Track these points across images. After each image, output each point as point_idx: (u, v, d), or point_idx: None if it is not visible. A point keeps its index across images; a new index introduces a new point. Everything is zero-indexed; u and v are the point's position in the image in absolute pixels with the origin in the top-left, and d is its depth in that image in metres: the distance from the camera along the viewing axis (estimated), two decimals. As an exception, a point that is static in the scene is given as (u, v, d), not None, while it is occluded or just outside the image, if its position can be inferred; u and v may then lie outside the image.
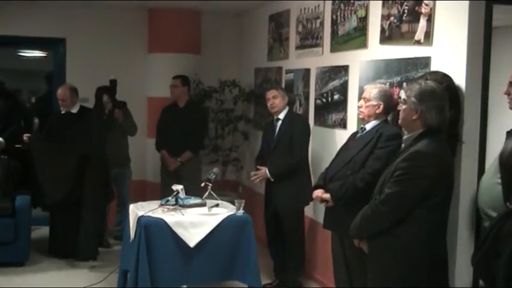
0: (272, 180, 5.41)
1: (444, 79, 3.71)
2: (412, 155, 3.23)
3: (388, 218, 3.28)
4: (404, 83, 4.23)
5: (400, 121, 3.50)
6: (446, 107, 3.32)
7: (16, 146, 6.39)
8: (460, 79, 3.77)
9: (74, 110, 6.33)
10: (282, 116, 5.51)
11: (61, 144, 6.16)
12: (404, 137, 3.43)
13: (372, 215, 3.35)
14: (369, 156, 4.17)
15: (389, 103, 4.27)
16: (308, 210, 5.67)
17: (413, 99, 3.32)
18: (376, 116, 4.27)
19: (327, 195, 4.32)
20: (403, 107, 3.40)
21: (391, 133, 4.12)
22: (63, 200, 6.10)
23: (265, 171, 5.43)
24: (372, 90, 4.29)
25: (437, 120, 3.28)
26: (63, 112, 6.31)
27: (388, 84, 4.51)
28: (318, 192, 4.42)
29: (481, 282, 3.68)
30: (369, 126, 4.30)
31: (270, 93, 5.54)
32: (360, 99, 4.48)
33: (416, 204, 3.22)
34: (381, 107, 4.24)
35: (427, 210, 3.23)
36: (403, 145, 3.43)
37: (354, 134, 4.48)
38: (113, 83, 6.58)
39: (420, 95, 3.30)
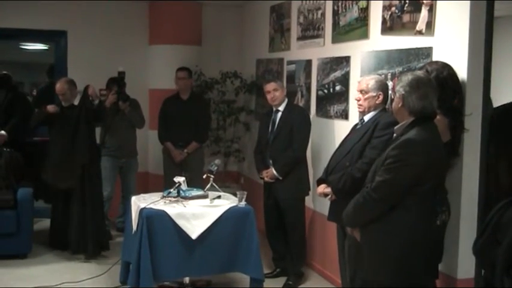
0: (281, 178, 5.38)
1: (445, 68, 3.71)
2: (403, 143, 3.27)
3: (380, 205, 3.32)
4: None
5: (393, 111, 3.56)
6: (432, 95, 3.34)
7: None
8: (462, 69, 3.77)
9: (76, 103, 6.33)
10: (281, 107, 5.49)
11: (60, 137, 6.20)
12: (396, 127, 3.47)
13: (364, 203, 3.39)
14: (366, 146, 4.20)
15: (387, 92, 4.29)
16: (308, 201, 5.68)
17: (399, 88, 3.38)
18: (376, 107, 4.28)
19: (328, 190, 4.34)
20: (395, 98, 3.46)
21: (387, 121, 4.13)
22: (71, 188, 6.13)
23: (272, 172, 5.40)
24: (369, 82, 4.29)
25: (419, 105, 3.31)
26: (65, 105, 6.30)
27: (389, 74, 4.50)
28: (320, 188, 4.44)
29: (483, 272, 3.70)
30: (367, 117, 4.31)
31: (270, 86, 5.48)
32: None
33: (407, 191, 3.26)
34: (381, 97, 4.26)
35: (418, 197, 3.28)
36: (395, 134, 3.47)
37: (355, 126, 4.49)
38: (121, 74, 6.58)
39: (404, 84, 3.36)
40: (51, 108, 6.22)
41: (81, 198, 6.09)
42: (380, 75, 4.56)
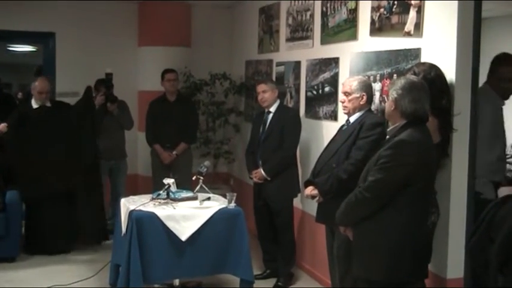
0: (269, 179, 5.39)
1: (432, 69, 3.73)
2: (396, 143, 3.31)
3: (372, 204, 3.36)
4: (395, 75, 4.25)
5: (385, 114, 3.59)
6: (424, 98, 3.39)
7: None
8: (450, 70, 3.78)
9: (49, 104, 6.31)
10: (273, 109, 5.50)
11: (44, 138, 6.12)
12: (389, 128, 3.51)
13: (356, 202, 3.43)
14: (352, 147, 4.21)
15: (370, 92, 4.32)
16: (297, 202, 5.69)
17: (392, 91, 3.43)
18: (361, 108, 4.30)
19: (315, 192, 4.35)
20: (387, 101, 3.50)
21: (372, 122, 4.17)
22: (47, 195, 6.13)
23: (261, 172, 5.41)
24: (352, 83, 4.31)
25: (411, 108, 3.35)
26: (36, 106, 6.25)
27: (378, 75, 4.51)
28: (308, 190, 4.45)
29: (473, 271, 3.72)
30: (353, 118, 4.33)
31: (260, 87, 5.51)
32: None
33: (398, 190, 3.30)
34: (364, 97, 4.28)
35: (410, 197, 3.31)
36: (387, 136, 3.51)
37: (341, 127, 4.50)
38: (109, 76, 6.59)
39: (397, 87, 3.40)
40: (2, 127, 6.10)
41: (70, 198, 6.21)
42: (369, 76, 4.58)
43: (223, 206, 4.88)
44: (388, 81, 4.35)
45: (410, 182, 3.28)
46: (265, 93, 5.47)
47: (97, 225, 6.43)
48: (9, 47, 11.69)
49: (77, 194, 6.22)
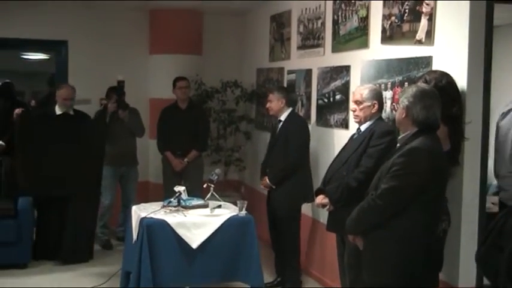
0: (274, 187, 5.44)
1: (443, 77, 3.72)
2: (408, 151, 3.31)
3: (384, 212, 3.35)
4: (406, 83, 4.24)
5: (395, 122, 3.60)
6: (436, 106, 3.38)
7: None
8: (461, 78, 3.77)
9: (72, 112, 6.36)
10: (283, 117, 5.52)
11: (63, 142, 6.14)
12: (400, 136, 3.50)
13: (368, 209, 3.42)
14: (362, 155, 4.21)
15: (381, 100, 4.32)
16: (307, 209, 5.68)
17: (403, 99, 3.43)
18: (372, 116, 4.28)
19: (326, 200, 4.35)
20: (398, 109, 3.49)
21: (383, 130, 4.17)
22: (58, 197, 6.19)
23: (266, 180, 5.47)
24: (363, 92, 4.30)
25: (423, 116, 3.35)
26: (60, 112, 6.31)
27: (389, 83, 4.51)
28: (318, 199, 4.45)
29: (485, 281, 3.69)
30: (364, 127, 4.32)
31: (268, 97, 5.58)
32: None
33: (411, 198, 3.29)
34: (376, 105, 4.26)
35: (422, 205, 3.30)
36: (398, 144, 3.50)
37: (352, 136, 4.50)
38: (121, 83, 6.63)
39: (408, 95, 3.40)
40: (18, 111, 6.25)
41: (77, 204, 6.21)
42: (380, 84, 4.57)
43: (234, 213, 4.88)
44: (399, 89, 4.34)
45: (423, 190, 3.27)
46: (271, 102, 5.52)
47: (83, 238, 6.38)
48: (22, 55, 11.77)
49: (75, 200, 6.24)
